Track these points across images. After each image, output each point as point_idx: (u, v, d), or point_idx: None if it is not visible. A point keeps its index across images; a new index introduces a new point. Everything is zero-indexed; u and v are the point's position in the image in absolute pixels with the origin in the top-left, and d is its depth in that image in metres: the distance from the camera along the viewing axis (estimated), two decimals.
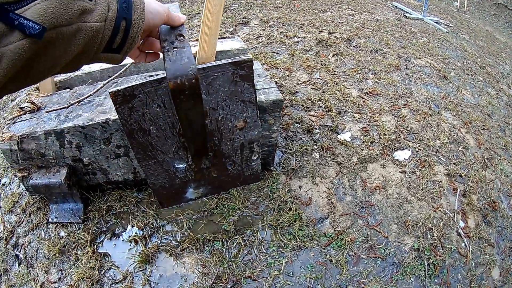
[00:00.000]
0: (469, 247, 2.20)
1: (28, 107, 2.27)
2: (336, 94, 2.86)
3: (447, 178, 2.56)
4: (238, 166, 2.02)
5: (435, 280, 2.01)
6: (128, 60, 2.43)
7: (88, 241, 2.09)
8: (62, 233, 2.21)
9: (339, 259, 1.96)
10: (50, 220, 2.26)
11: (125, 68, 2.16)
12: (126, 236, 2.08)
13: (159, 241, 2.02)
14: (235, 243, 1.98)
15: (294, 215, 2.08)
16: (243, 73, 1.69)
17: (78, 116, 2.02)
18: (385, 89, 3.23)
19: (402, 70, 3.67)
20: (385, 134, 2.76)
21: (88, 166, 2.13)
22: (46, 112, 2.14)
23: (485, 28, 7.65)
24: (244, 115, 1.82)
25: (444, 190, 2.44)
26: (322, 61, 3.25)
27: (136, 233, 2.06)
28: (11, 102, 3.21)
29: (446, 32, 5.28)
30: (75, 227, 2.19)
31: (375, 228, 2.09)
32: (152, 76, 1.76)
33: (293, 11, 4.55)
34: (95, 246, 2.09)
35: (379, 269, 1.97)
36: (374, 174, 2.49)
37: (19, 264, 2.19)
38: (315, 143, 2.44)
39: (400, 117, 2.99)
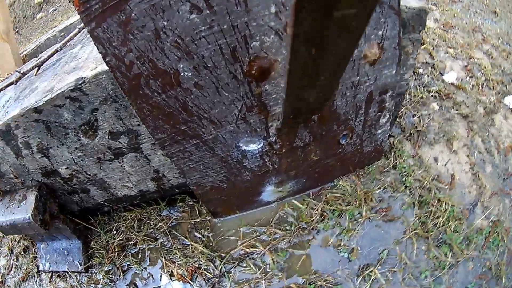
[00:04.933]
0: None
1: None
2: None
3: None
4: (357, 138, 1.09)
5: None
6: None
7: None
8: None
9: (498, 263, 1.19)
10: (41, 267, 1.32)
11: None
12: None
13: None
14: (369, 282, 1.07)
15: (449, 211, 1.21)
16: None
17: (32, 92, 1.03)
18: (455, 21, 2.59)
19: (456, 2, 2.98)
20: (489, 75, 2.04)
21: (71, 180, 1.14)
22: None
23: None
24: (380, 32, 0.89)
25: None
26: None
27: None
28: None
29: None
30: (77, 278, 1.21)
31: None
32: None
33: None
34: None
35: None
36: (503, 130, 1.83)
37: None
38: (426, 88, 1.58)
39: (489, 54, 2.41)
